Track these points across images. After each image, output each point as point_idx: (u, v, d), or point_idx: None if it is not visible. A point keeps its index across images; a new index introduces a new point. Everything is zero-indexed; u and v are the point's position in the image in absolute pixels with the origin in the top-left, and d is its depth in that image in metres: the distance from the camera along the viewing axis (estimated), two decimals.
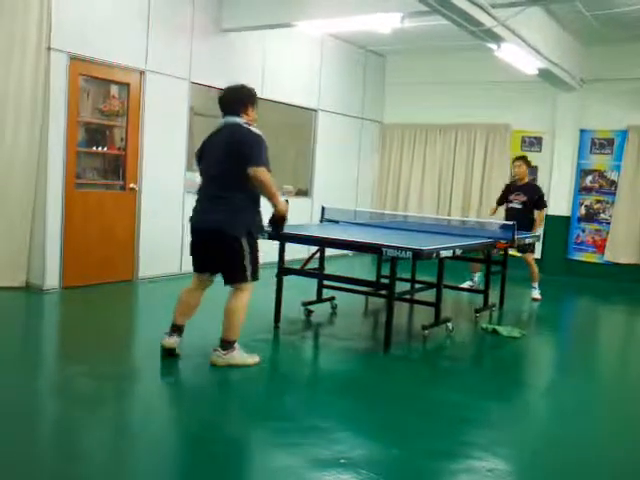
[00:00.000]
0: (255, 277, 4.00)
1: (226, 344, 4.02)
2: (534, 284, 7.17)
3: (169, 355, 4.14)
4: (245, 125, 3.94)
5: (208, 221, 3.95)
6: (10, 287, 5.78)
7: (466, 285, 7.13)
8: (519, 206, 7.13)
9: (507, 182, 7.83)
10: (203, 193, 4.07)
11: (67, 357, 4.38)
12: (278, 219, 4.05)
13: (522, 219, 6.80)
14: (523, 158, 7.33)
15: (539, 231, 7.29)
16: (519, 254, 7.08)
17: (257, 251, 4.00)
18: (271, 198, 3.94)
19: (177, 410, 3.55)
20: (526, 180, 7.30)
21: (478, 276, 7.32)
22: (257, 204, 4.02)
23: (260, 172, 3.80)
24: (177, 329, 4.16)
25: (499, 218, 7.33)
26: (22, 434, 3.01)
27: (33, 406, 3.42)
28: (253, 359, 4.15)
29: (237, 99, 3.99)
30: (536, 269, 7.15)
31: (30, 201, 5.86)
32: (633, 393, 4.35)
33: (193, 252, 4.13)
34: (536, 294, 7.14)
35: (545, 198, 7.36)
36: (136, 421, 3.33)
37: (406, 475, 2.82)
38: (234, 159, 3.83)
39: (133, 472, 2.77)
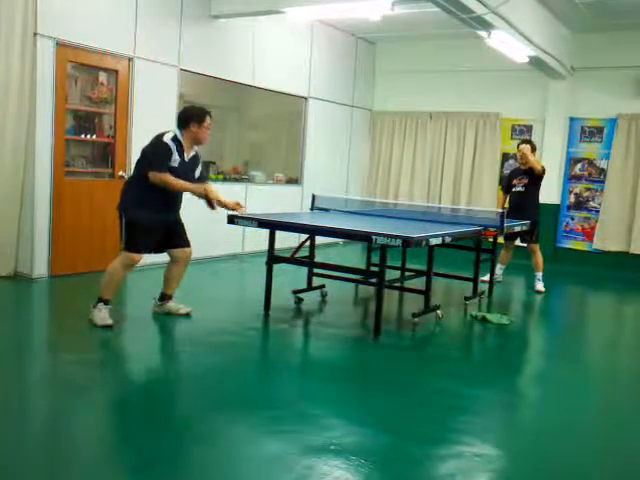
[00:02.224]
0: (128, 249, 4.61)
1: (100, 299, 4.58)
2: (538, 274, 6.98)
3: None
4: (166, 134, 4.53)
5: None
6: None
7: (487, 278, 6.82)
8: (521, 189, 6.95)
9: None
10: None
11: (55, 345, 4.37)
12: (207, 201, 4.61)
13: (524, 203, 6.81)
14: (528, 142, 7.05)
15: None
16: (523, 244, 7.02)
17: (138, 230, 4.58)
18: (183, 191, 4.65)
19: (166, 397, 3.55)
20: (530, 163, 6.89)
21: (502, 269, 7.27)
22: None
23: (152, 176, 4.45)
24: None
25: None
26: (11, 422, 3.00)
27: (22, 394, 3.41)
28: (107, 321, 4.52)
29: (183, 116, 4.65)
30: (541, 259, 6.97)
31: (18, 189, 5.81)
32: (621, 379, 4.40)
33: None
34: (540, 286, 6.94)
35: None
36: (125, 408, 3.33)
37: (396, 461, 2.84)
38: (141, 158, 4.61)
39: (121, 459, 2.77)
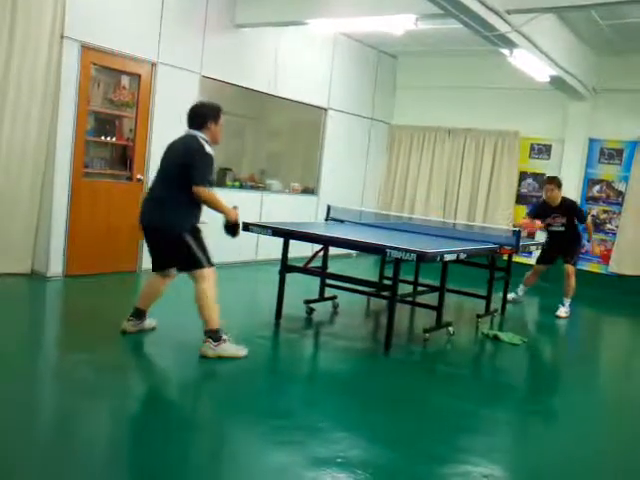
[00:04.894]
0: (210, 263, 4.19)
1: (212, 334, 4.08)
2: (565, 300, 6.76)
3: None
4: (201, 140, 4.12)
5: (147, 217, 4.23)
6: (15, 273, 5.79)
7: (509, 297, 6.85)
8: (561, 228, 6.74)
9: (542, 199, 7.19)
10: (148, 193, 4.39)
11: (66, 344, 4.39)
12: (231, 226, 4.25)
13: (568, 240, 6.70)
14: (555, 181, 6.77)
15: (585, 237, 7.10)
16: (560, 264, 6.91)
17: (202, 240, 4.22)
18: (218, 211, 4.17)
19: (173, 405, 3.55)
20: (559, 199, 6.76)
21: (525, 290, 7.18)
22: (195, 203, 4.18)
23: (201, 191, 4.03)
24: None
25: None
26: (21, 421, 3.01)
27: (33, 394, 3.43)
28: (242, 351, 4.19)
29: (199, 114, 4.22)
30: (574, 284, 6.73)
31: (38, 188, 5.87)
32: (632, 404, 4.34)
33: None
34: (562, 312, 6.70)
35: (582, 209, 6.99)
36: (131, 412, 3.33)
37: (402, 478, 2.81)
38: (181, 170, 4.05)
39: (128, 463, 2.77)
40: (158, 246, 4.28)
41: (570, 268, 6.76)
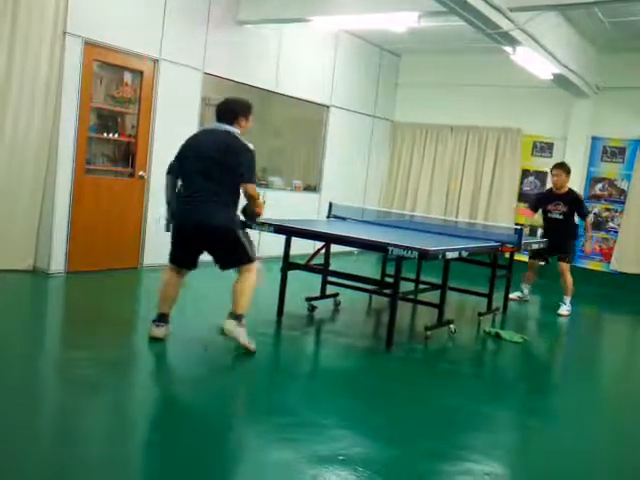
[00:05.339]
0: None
1: (238, 316, 4.13)
2: (565, 298, 6.70)
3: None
4: (240, 137, 4.13)
5: (210, 218, 4.09)
6: (17, 270, 5.79)
7: (514, 296, 6.90)
8: (559, 217, 6.69)
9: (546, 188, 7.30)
10: (193, 191, 4.14)
11: (68, 341, 4.40)
12: (254, 215, 4.36)
13: (563, 230, 6.62)
14: (562, 166, 6.76)
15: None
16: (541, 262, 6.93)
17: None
18: (255, 205, 4.28)
19: (175, 401, 3.55)
20: (566, 188, 6.76)
21: (528, 288, 7.18)
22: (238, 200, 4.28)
23: (251, 189, 4.13)
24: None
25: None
26: (22, 417, 3.02)
27: (34, 390, 3.43)
28: (252, 346, 4.21)
29: (231, 109, 4.20)
30: (570, 280, 6.68)
31: (40, 185, 5.88)
32: (633, 402, 4.34)
33: (180, 247, 4.25)
34: (564, 310, 6.66)
35: (586, 205, 6.91)
36: (134, 409, 3.33)
37: (403, 476, 2.82)
38: (228, 167, 4.05)
39: (130, 459, 2.78)
40: (205, 245, 4.16)
41: (563, 265, 6.71)
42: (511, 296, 6.75)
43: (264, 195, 4.41)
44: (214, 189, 4.07)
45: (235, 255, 4.17)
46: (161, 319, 4.29)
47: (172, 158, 4.30)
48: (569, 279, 6.72)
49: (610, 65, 8.62)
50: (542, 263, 7.11)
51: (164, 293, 4.32)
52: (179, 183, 4.25)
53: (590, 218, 7.10)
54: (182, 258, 4.29)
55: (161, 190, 6.60)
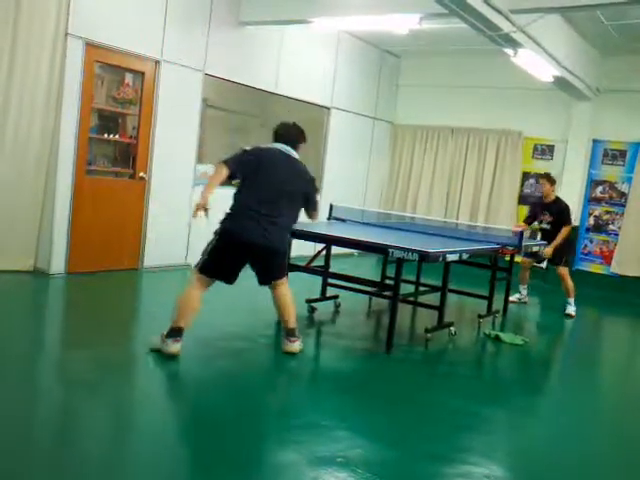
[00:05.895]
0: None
1: (296, 331, 4.37)
2: (569, 299, 6.79)
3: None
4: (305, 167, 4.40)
5: (269, 239, 4.09)
6: (18, 270, 5.78)
7: (514, 298, 6.93)
8: (547, 226, 6.83)
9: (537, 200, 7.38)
10: (265, 209, 4.10)
11: (68, 342, 4.40)
12: None
13: (552, 239, 6.65)
14: (545, 176, 6.99)
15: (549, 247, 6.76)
16: (551, 266, 6.92)
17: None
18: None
19: (176, 402, 3.55)
20: (552, 197, 6.90)
21: (526, 288, 7.18)
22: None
23: (317, 216, 4.49)
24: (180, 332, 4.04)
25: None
26: (22, 417, 3.02)
27: (34, 390, 3.43)
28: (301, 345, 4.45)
29: (295, 135, 4.44)
30: (571, 283, 6.77)
31: (41, 185, 5.87)
32: (633, 404, 4.34)
33: (227, 260, 4.11)
34: (571, 310, 6.76)
35: (570, 214, 6.90)
36: (135, 410, 3.33)
37: (402, 477, 2.82)
38: (300, 195, 4.29)
39: (131, 461, 2.77)
40: (255, 261, 4.19)
41: (562, 270, 6.78)
42: (511, 298, 6.77)
43: None
44: (284, 212, 4.18)
45: (278, 273, 4.34)
46: (178, 333, 3.98)
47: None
48: (569, 282, 6.78)
49: (611, 67, 8.62)
50: (542, 266, 7.12)
51: (188, 305, 4.04)
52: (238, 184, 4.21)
53: (566, 231, 6.77)
54: (227, 271, 4.12)
55: (162, 190, 6.60)
